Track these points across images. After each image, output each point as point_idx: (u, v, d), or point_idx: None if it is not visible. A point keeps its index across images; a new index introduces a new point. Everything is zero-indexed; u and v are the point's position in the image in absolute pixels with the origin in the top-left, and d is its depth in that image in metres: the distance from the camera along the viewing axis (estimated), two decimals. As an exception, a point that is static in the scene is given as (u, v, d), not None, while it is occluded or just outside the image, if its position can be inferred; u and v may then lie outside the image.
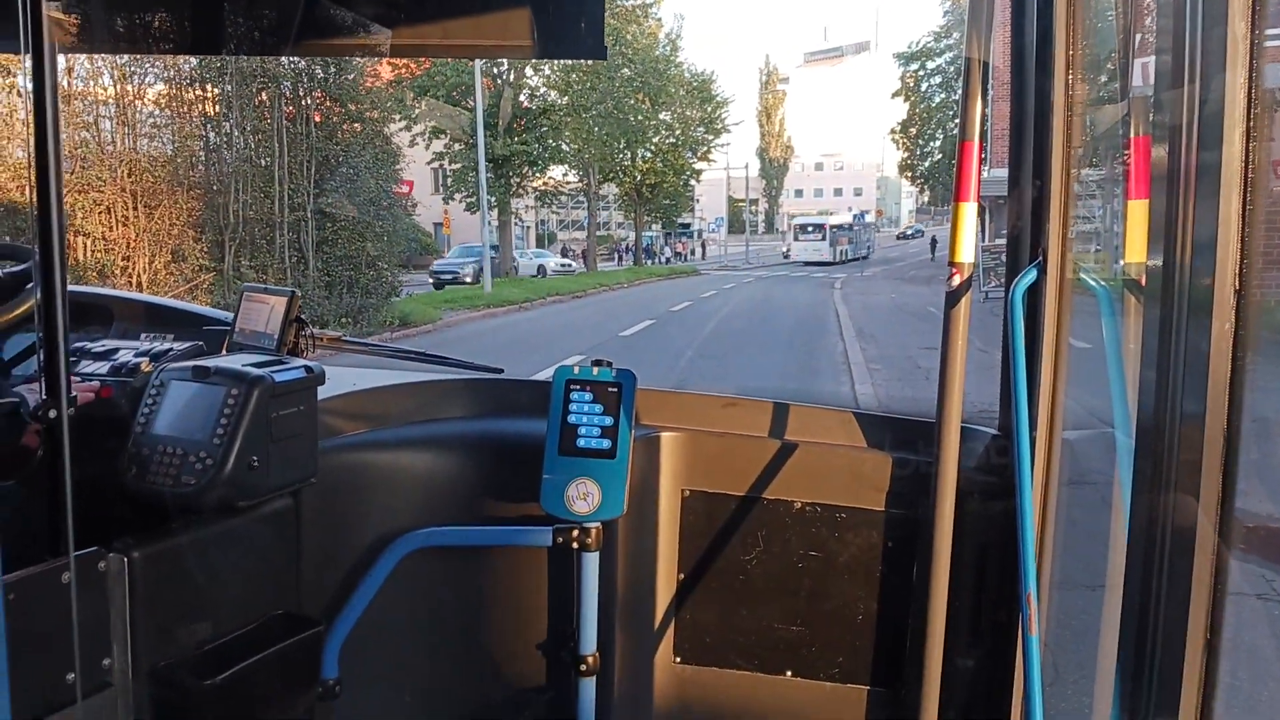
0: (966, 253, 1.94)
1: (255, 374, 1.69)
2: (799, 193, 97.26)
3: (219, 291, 15.93)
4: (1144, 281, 1.55)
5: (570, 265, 40.06)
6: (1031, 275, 1.93)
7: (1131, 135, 1.72)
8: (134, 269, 14.75)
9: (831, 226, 48.39)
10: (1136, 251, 1.56)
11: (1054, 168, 1.94)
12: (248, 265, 16.88)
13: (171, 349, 1.97)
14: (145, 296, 3.12)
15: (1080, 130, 1.99)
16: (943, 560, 1.91)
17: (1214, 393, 1.19)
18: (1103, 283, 1.86)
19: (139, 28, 2.55)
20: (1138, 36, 1.77)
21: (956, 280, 1.94)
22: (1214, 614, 1.23)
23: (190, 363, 1.76)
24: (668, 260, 52.25)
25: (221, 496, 1.65)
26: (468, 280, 31.14)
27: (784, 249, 48.82)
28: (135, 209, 14.92)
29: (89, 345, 2.06)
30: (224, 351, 2.03)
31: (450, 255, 35.98)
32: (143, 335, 2.20)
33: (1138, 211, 1.56)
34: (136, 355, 1.94)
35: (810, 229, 48.49)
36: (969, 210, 1.91)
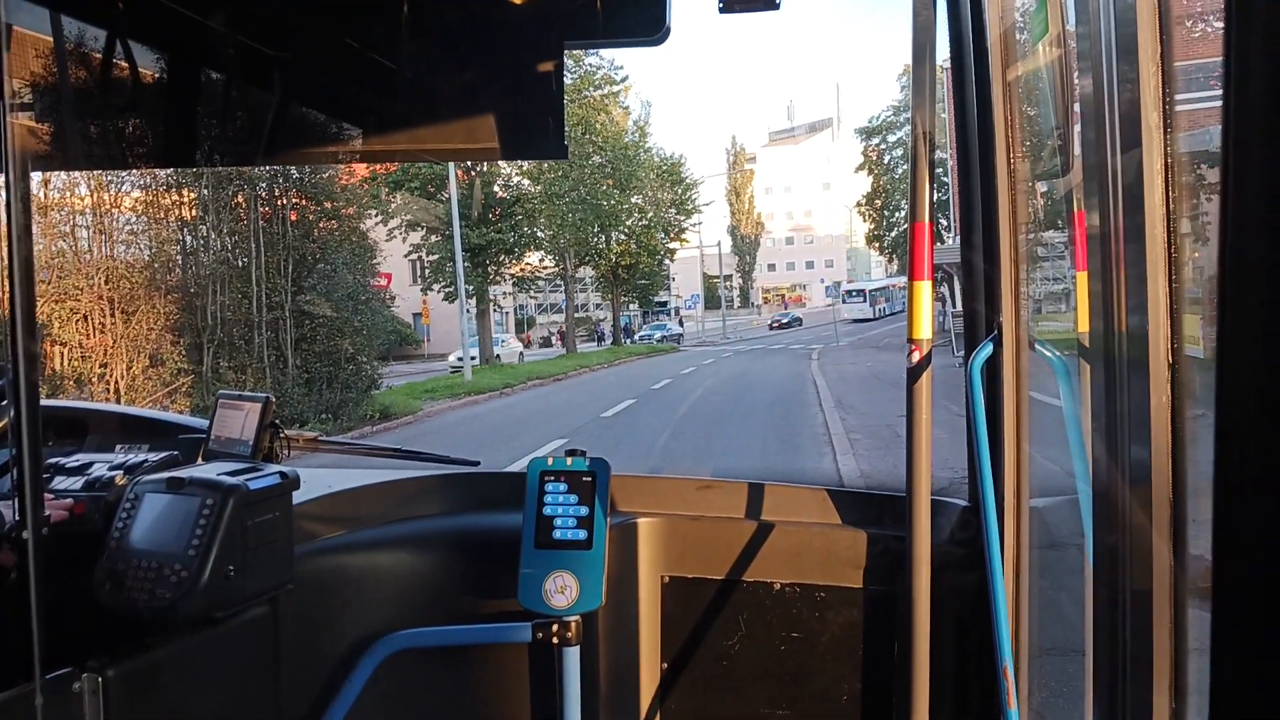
0: (924, 329, 1.99)
1: (230, 483, 1.70)
2: (772, 266, 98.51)
3: (198, 394, 15.85)
4: (1093, 350, 1.60)
5: (519, 351, 39.63)
6: (988, 348, 1.98)
7: (1074, 209, 1.80)
8: (112, 376, 14.68)
9: (870, 291, 58.75)
10: (1084, 321, 1.62)
11: (1003, 243, 2.02)
12: (226, 366, 16.84)
13: (146, 460, 1.98)
14: (120, 408, 3.13)
15: (1026, 205, 2.07)
16: (922, 636, 1.92)
17: (1157, 451, 1.22)
18: (1057, 352, 1.91)
19: (112, 143, 2.61)
20: (1077, 109, 1.85)
21: (916, 356, 1.99)
22: (1178, 668, 1.24)
23: (164, 474, 1.77)
24: (646, 339, 52.72)
25: (198, 608, 1.64)
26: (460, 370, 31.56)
27: (835, 308, 58.00)
28: (112, 315, 14.92)
29: (63, 460, 2.06)
30: (199, 460, 2.04)
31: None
32: (118, 447, 2.20)
33: (1084, 283, 1.63)
34: (111, 469, 1.95)
35: (855, 294, 60.13)
36: (924, 288, 1.97)
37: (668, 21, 2.20)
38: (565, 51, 2.26)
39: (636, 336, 48.63)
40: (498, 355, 35.73)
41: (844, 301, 60.47)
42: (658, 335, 48.04)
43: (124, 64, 2.35)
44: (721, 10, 2.21)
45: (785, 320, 61.55)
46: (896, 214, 56.52)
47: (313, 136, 2.62)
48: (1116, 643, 1.36)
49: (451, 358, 33.79)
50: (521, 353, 37.43)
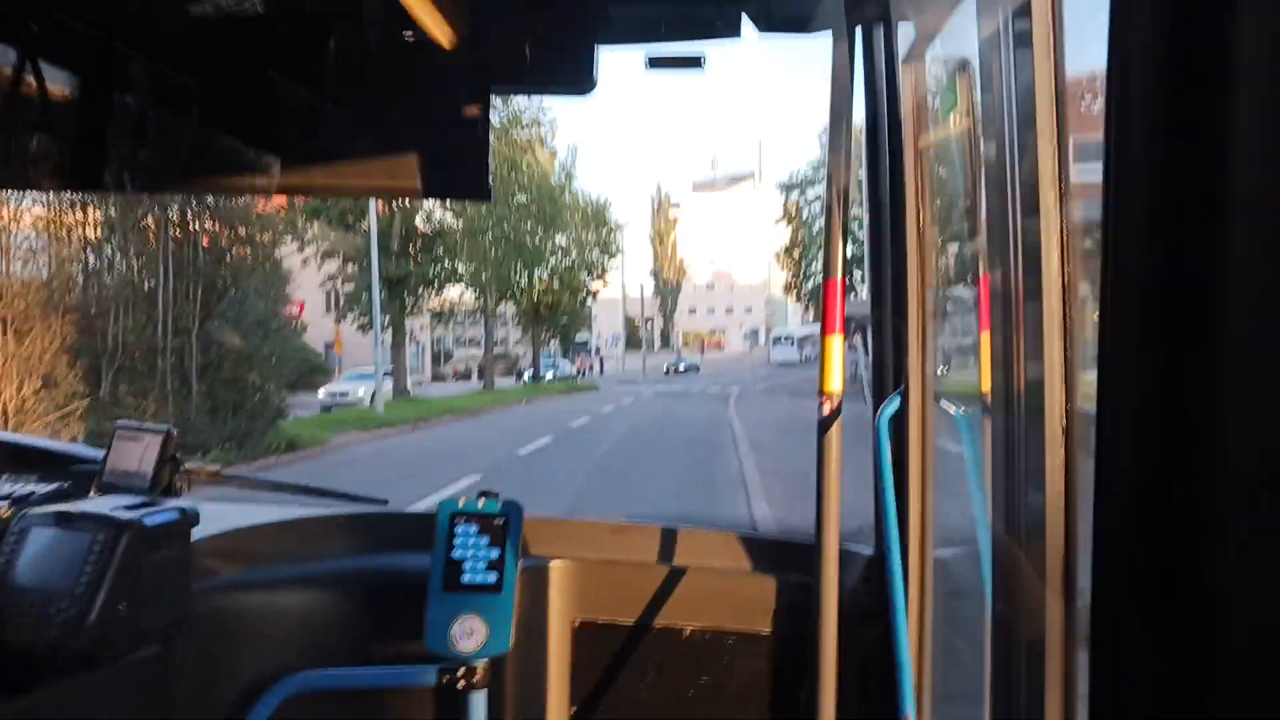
0: (835, 382, 2.04)
1: (124, 518, 1.64)
2: (693, 310, 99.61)
3: (93, 418, 15.19)
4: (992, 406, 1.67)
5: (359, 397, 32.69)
6: (895, 403, 2.04)
7: (981, 271, 1.88)
8: (0, 396, 13.98)
9: (799, 338, 61.23)
10: (988, 379, 1.69)
11: (911, 300, 2.09)
12: (126, 391, 16.22)
13: (34, 491, 1.89)
14: (7, 435, 2.98)
15: (934, 265, 2.15)
16: (828, 682, 1.95)
17: (1051, 504, 1.28)
18: (961, 409, 1.98)
19: (19, 163, 2.52)
20: (979, 175, 1.94)
21: (827, 408, 2.03)
22: (1067, 711, 1.29)
23: (53, 507, 1.70)
24: (569, 375, 52.48)
25: (85, 648, 1.57)
26: (362, 403, 30.17)
27: (768, 353, 64.68)
28: (3, 334, 14.24)
29: None
30: (92, 493, 1.96)
31: (338, 381, 33.69)
32: (3, 477, 2.10)
33: (988, 343, 1.70)
34: None
35: (784, 339, 64.23)
36: (835, 342, 2.03)
37: (595, 74, 2.24)
38: (492, 95, 2.28)
39: (527, 375, 47.25)
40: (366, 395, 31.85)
41: (774, 345, 65.38)
42: (548, 375, 46.81)
43: (33, 83, 2.29)
44: (649, 67, 2.27)
45: (682, 367, 60.32)
46: (813, 266, 58.01)
47: (230, 167, 2.57)
48: (1011, 691, 1.40)
49: (322, 393, 30.86)
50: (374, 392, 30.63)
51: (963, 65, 1.88)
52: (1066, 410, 1.27)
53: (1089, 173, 1.36)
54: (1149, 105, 0.53)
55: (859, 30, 2.16)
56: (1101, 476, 0.55)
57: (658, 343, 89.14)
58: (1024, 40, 1.30)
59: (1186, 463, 0.52)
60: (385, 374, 31.91)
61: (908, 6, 2.10)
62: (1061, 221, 1.27)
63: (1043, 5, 1.25)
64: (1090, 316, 1.34)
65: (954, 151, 2.01)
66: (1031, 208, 1.32)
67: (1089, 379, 1.31)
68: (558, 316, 43.58)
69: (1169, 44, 0.51)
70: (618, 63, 2.29)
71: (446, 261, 35.07)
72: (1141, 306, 0.54)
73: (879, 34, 2.17)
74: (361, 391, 30.91)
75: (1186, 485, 0.51)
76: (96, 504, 1.73)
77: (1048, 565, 1.28)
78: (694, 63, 2.27)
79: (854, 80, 2.07)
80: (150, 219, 17.22)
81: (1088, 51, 1.30)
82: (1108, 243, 0.53)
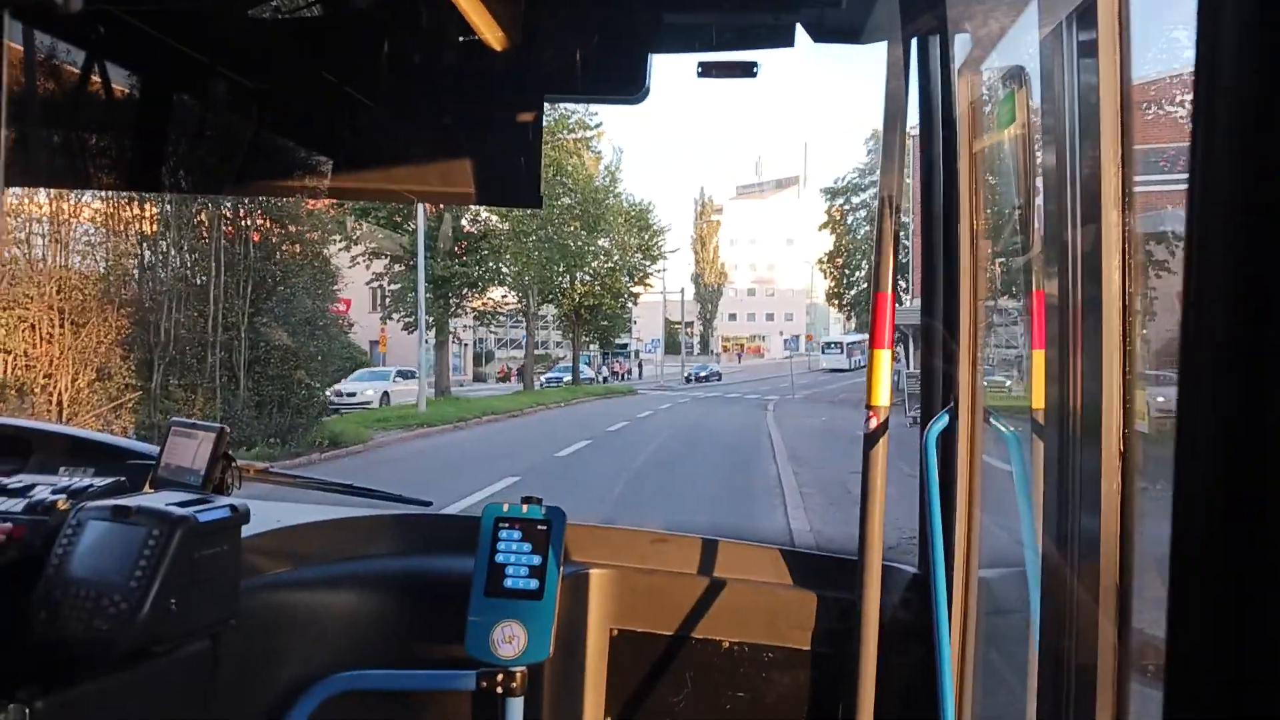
0: (883, 396, 2.02)
1: (178, 514, 1.67)
2: (733, 316, 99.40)
3: (144, 411, 15.51)
4: (1048, 427, 1.64)
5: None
6: (944, 420, 2.02)
7: (1031, 287, 1.85)
8: (55, 387, 14.33)
9: (847, 344, 63.19)
10: (1040, 398, 1.66)
11: (963, 315, 2.06)
12: (176, 384, 16.54)
13: (91, 485, 1.93)
14: (66, 429, 3.05)
15: (986, 278, 2.12)
16: (866, 701, 1.93)
17: (1106, 526, 1.25)
18: (1011, 428, 1.95)
19: (80, 162, 2.59)
20: (1034, 189, 1.91)
21: (874, 423, 2.01)
22: None
23: (110, 501, 1.73)
24: (605, 380, 52.50)
25: (135, 641, 1.60)
26: (370, 405, 28.59)
27: (817, 360, 66.36)
28: (61, 326, 14.61)
29: (3, 480, 2.01)
30: (147, 488, 2.00)
31: (346, 380, 30.94)
32: (61, 469, 2.15)
33: (1041, 360, 1.67)
34: (54, 492, 1.90)
35: (833, 345, 66.10)
36: (884, 357, 2.01)
37: (647, 82, 2.24)
38: (545, 103, 2.29)
39: (543, 379, 46.72)
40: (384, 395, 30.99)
41: (823, 352, 67.41)
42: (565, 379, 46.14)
43: (99, 84, 2.34)
44: (700, 75, 2.26)
45: (703, 374, 57.61)
46: (857, 273, 57.53)
47: (285, 170, 2.62)
48: (1060, 714, 1.38)
49: (348, 385, 28.32)
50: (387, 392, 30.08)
51: (1020, 76, 1.85)
52: (1124, 432, 1.24)
53: (1148, 184, 1.34)
54: (1236, 109, 0.51)
55: (914, 40, 2.14)
56: (1180, 500, 0.53)
57: (696, 348, 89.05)
58: (1088, 50, 1.28)
59: (1274, 485, 0.50)
60: (400, 374, 31.12)
61: (964, 17, 2.08)
62: (1124, 235, 1.25)
63: (1109, 15, 1.23)
64: (1145, 333, 1.32)
65: (1009, 162, 1.98)
66: (1092, 220, 1.30)
67: (1147, 399, 1.28)
68: (598, 319, 43.69)
69: (1258, 45, 0.49)
70: (666, 65, 2.29)
71: (491, 262, 35.33)
72: (1227, 321, 0.52)
73: (934, 44, 2.15)
74: (370, 392, 29.75)
75: (1274, 509, 0.50)
76: (152, 499, 1.77)
77: (1101, 591, 1.26)
78: (747, 71, 2.27)
79: (908, 82, 2.05)
80: (204, 215, 17.55)
81: (1145, 61, 1.28)
82: (1191, 253, 0.52)
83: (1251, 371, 0.50)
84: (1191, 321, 0.52)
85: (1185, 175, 0.53)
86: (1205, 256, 0.52)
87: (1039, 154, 1.71)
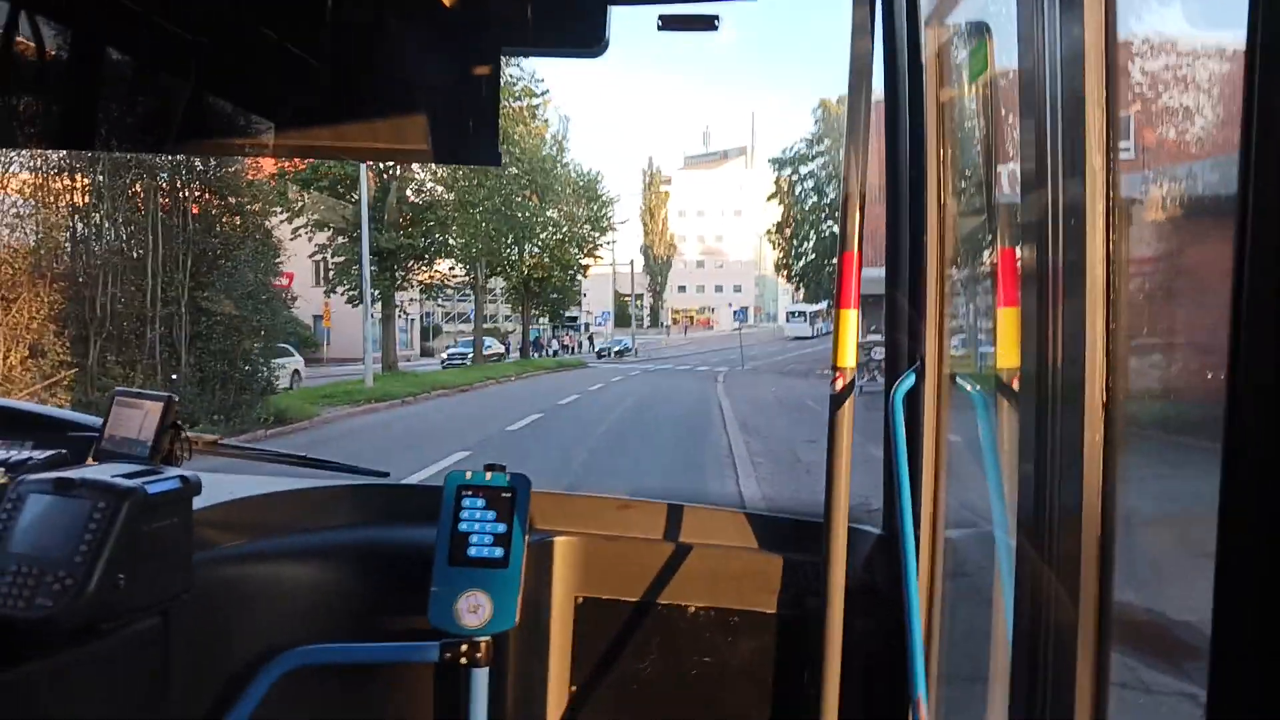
0: (849, 357, 2.00)
1: (125, 485, 1.59)
2: (682, 288, 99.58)
3: (80, 389, 15.07)
4: (1015, 385, 1.63)
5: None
6: (910, 380, 2.01)
7: (998, 245, 1.84)
8: (-14, 363, 13.87)
9: (810, 312, 65.23)
10: (1008, 357, 1.65)
11: (929, 277, 2.05)
12: (114, 361, 16.08)
13: (31, 457, 1.84)
14: (2, 401, 2.92)
15: (953, 241, 2.11)
16: (833, 662, 1.92)
17: (1089, 488, 1.24)
18: (977, 387, 1.94)
19: (6, 119, 2.45)
20: (1004, 144, 1.89)
21: (840, 384, 1.99)
22: (1098, 707, 1.26)
23: (52, 474, 1.64)
24: (555, 353, 52.26)
25: (82, 619, 1.53)
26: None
27: (768, 330, 69.26)
28: (-10, 301, 14.12)
29: None
30: (90, 460, 1.91)
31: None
32: None
33: (1008, 319, 1.66)
34: None
35: (797, 314, 68.40)
36: (851, 316, 1.99)
37: (607, 34, 2.18)
38: (502, 57, 2.22)
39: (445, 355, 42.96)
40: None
41: (787, 320, 70.82)
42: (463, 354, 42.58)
43: (24, 38, 2.21)
44: (661, 28, 2.20)
45: (616, 349, 52.94)
46: (805, 244, 57.70)
47: (229, 128, 2.51)
48: (1036, 676, 1.37)
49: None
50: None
51: (990, 28, 1.83)
52: (1108, 391, 1.23)
53: (1124, 151, 1.32)
54: None
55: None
56: (1231, 477, 0.50)
57: (646, 320, 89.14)
58: (1071, 9, 1.25)
59: None
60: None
61: (931, -31, 2.05)
62: (1108, 194, 1.23)
63: None
64: (1130, 296, 1.30)
65: (980, 118, 1.96)
66: (1074, 176, 1.27)
67: (1133, 361, 1.27)
68: (548, 292, 43.43)
69: None
70: (628, 22, 2.23)
71: (438, 234, 34.87)
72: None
73: (900, 2, 2.12)
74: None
75: None
76: (96, 471, 1.69)
77: (1082, 552, 1.25)
78: (708, 23, 2.21)
79: (874, 40, 2.01)
80: (139, 186, 17.03)
81: (1129, 12, 1.25)
82: (1244, 224, 0.49)
83: None
84: (1244, 310, 0.49)
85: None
86: (1260, 245, 0.49)
87: (1011, 107, 1.68)
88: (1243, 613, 0.50)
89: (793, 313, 70.61)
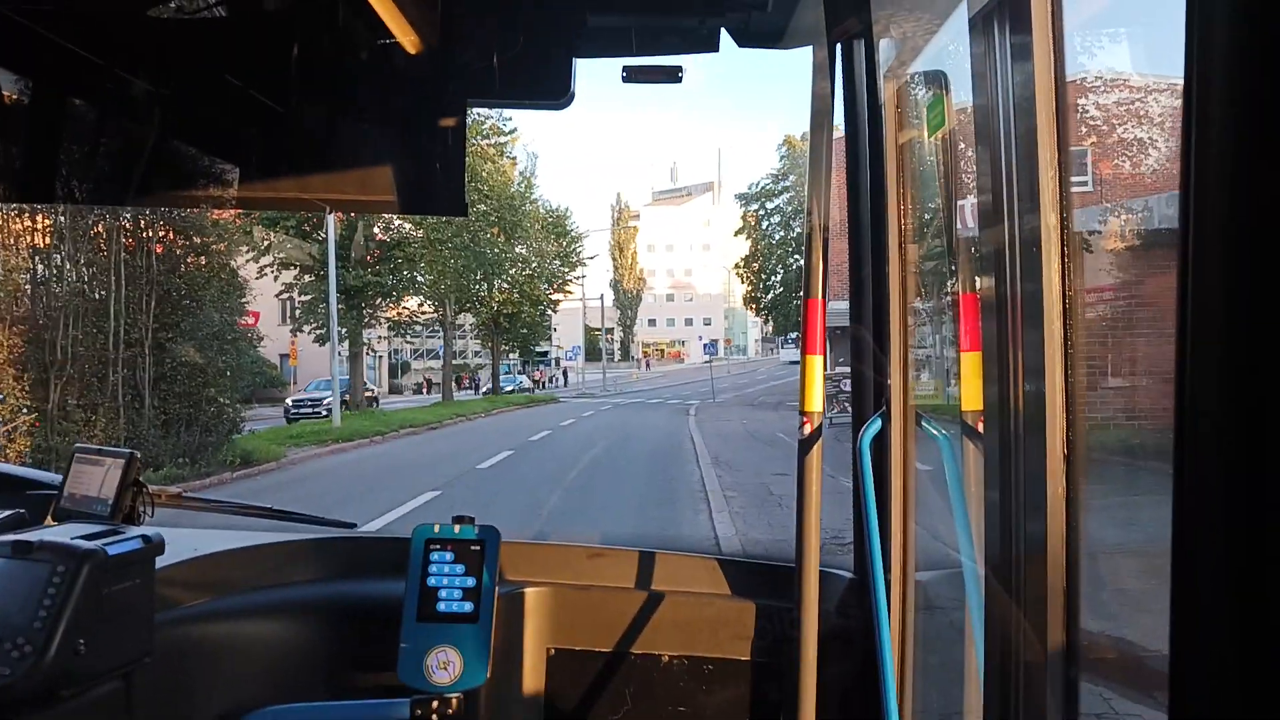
0: (816, 401, 2.02)
1: (86, 547, 1.56)
2: (653, 322, 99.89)
3: (40, 434, 14.78)
4: (980, 427, 1.65)
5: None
6: (877, 424, 2.02)
7: (961, 287, 1.86)
8: (-59, 411, 13.56)
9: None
10: (971, 400, 1.67)
11: (893, 321, 2.07)
12: (75, 404, 15.80)
13: None
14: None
15: (915, 281, 2.14)
16: (808, 709, 1.91)
17: (1053, 523, 1.26)
18: (943, 431, 1.96)
19: None
20: (963, 182, 1.93)
21: (808, 429, 2.01)
22: None
23: (10, 536, 1.61)
24: (526, 389, 52.02)
25: (41, 687, 1.49)
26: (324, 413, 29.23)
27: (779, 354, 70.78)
28: (-54, 346, 13.85)
29: None
30: (49, 520, 1.87)
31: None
32: None
33: (970, 363, 1.68)
34: None
35: (792, 341, 65.79)
36: (816, 362, 2.00)
37: (572, 87, 2.20)
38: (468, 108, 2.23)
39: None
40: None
41: (782, 346, 73.94)
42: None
43: None
44: (625, 80, 2.23)
45: (509, 389, 47.65)
46: (773, 278, 58.13)
47: (192, 179, 2.49)
48: (1008, 711, 1.38)
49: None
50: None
51: (946, 80, 1.87)
52: (1068, 432, 1.25)
53: (1080, 185, 1.35)
54: (1230, 113, 0.50)
55: (839, 46, 2.15)
56: (1182, 500, 0.51)
57: (617, 354, 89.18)
58: (1021, 51, 1.28)
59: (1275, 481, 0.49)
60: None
61: (889, 22, 2.09)
62: (1062, 235, 1.26)
63: (1042, 18, 1.23)
64: (1086, 332, 1.33)
65: (938, 167, 2.00)
66: (1029, 220, 1.30)
67: (1093, 393, 1.29)
68: (518, 328, 43.37)
69: (1253, 50, 0.48)
70: (586, 68, 2.26)
71: (405, 271, 34.76)
72: (1224, 318, 0.51)
73: (859, 49, 2.16)
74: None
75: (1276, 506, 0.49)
76: (55, 532, 1.65)
77: (1049, 590, 1.26)
78: (672, 75, 2.24)
79: (834, 84, 2.05)
80: (101, 227, 16.85)
81: (1075, 61, 1.29)
82: (1186, 250, 0.51)
83: (1251, 371, 0.49)
84: (1189, 321, 0.51)
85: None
86: (1200, 258, 0.51)
87: (968, 155, 1.72)
88: (1198, 631, 0.52)
89: (787, 339, 72.26)
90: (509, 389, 45.14)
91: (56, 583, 1.51)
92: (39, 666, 1.46)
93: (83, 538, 1.60)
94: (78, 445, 2.01)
